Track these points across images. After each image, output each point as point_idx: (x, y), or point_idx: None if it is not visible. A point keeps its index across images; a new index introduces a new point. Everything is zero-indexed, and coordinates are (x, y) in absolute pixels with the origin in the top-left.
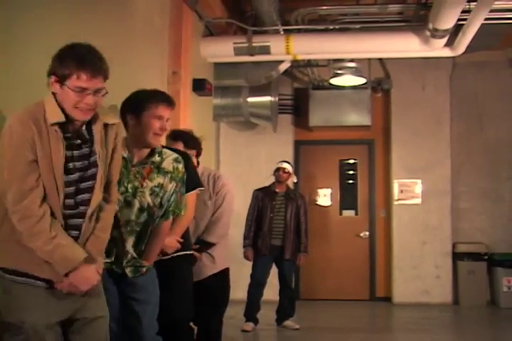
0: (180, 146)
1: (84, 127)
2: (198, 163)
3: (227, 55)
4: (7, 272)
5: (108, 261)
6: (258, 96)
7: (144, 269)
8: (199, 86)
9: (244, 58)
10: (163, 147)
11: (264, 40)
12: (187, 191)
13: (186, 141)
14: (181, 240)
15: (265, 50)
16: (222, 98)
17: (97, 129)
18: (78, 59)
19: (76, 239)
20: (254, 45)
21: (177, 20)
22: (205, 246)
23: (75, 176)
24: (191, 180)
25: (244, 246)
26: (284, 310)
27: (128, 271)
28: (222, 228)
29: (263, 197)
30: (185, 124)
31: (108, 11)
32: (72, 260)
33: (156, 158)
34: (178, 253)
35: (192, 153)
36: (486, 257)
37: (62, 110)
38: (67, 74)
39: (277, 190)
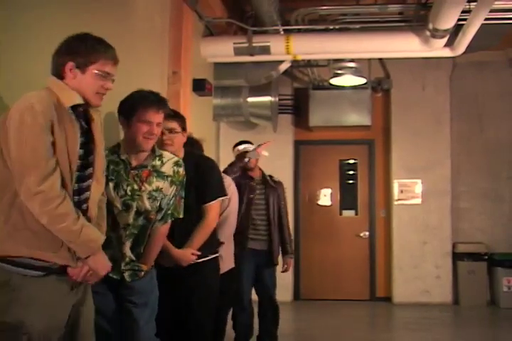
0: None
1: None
2: None
3: (227, 55)
4: (14, 264)
5: None
6: (258, 96)
7: (142, 273)
8: (199, 86)
9: (244, 58)
10: (188, 153)
11: (264, 40)
12: (211, 199)
13: (190, 147)
14: (198, 253)
15: (265, 50)
16: (222, 98)
17: (97, 119)
18: (103, 47)
19: None
20: (254, 45)
21: (177, 20)
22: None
23: (80, 162)
24: (216, 188)
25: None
26: (267, 336)
27: (126, 275)
28: (230, 227)
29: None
30: None
31: (108, 11)
32: (95, 241)
33: (156, 162)
34: (201, 259)
35: None
36: (486, 257)
37: None
38: (93, 61)
39: (253, 176)
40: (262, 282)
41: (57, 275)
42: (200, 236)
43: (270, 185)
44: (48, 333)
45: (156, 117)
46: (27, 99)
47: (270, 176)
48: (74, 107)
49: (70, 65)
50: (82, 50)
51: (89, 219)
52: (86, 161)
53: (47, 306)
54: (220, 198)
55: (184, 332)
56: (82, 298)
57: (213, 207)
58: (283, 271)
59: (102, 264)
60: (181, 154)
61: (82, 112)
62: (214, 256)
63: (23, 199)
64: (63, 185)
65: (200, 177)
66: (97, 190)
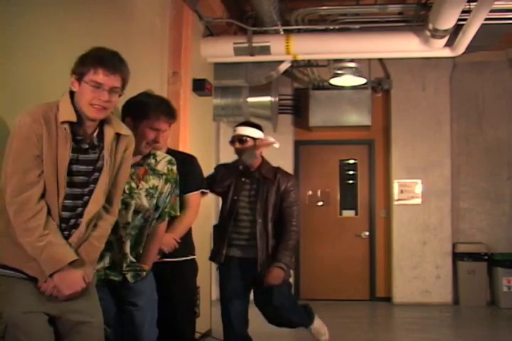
0: None
1: (95, 133)
2: None
3: (227, 55)
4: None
5: (101, 266)
6: (258, 96)
7: (144, 273)
8: (199, 86)
9: (244, 58)
10: (171, 150)
11: (264, 40)
12: (190, 191)
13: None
14: (179, 240)
15: (265, 50)
16: (222, 98)
17: (108, 136)
18: (97, 56)
19: (67, 239)
20: (254, 45)
21: (177, 20)
22: None
23: (77, 179)
24: (195, 180)
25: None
26: None
27: (129, 276)
28: None
29: (223, 177)
30: (185, 125)
31: (108, 11)
32: (59, 260)
33: (151, 160)
34: (182, 258)
35: None
36: (486, 257)
37: (77, 112)
38: (86, 71)
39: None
40: (262, 299)
41: (32, 282)
42: (182, 225)
43: (266, 177)
44: (18, 323)
45: (165, 126)
46: (24, 111)
47: (277, 168)
48: (74, 124)
49: (73, 77)
50: (78, 61)
51: (70, 236)
52: (88, 178)
53: (18, 300)
54: (200, 190)
55: (165, 330)
56: (74, 308)
57: (194, 197)
58: (266, 284)
59: (67, 283)
60: (165, 149)
61: (88, 131)
62: (193, 257)
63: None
64: (49, 200)
65: (182, 172)
66: (93, 207)
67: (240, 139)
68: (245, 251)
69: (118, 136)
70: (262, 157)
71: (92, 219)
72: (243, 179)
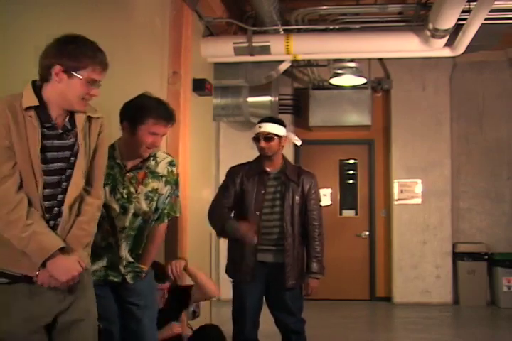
0: None
1: (67, 119)
2: None
3: (227, 55)
4: None
5: (100, 266)
6: (258, 96)
7: (144, 274)
8: (199, 86)
9: (244, 58)
10: None
11: (264, 40)
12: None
13: None
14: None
15: (265, 50)
16: (222, 98)
17: (80, 121)
18: (93, 52)
19: (55, 228)
20: (254, 45)
21: (177, 20)
22: None
23: (54, 166)
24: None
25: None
26: None
27: (128, 277)
28: None
29: (244, 181)
30: (185, 125)
31: (108, 11)
32: (48, 248)
33: (151, 162)
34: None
35: None
36: (486, 257)
37: (39, 98)
38: (81, 66)
39: (267, 169)
40: (276, 311)
41: (26, 283)
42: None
43: (290, 179)
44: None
45: (164, 130)
46: None
47: (298, 167)
48: (42, 112)
49: (58, 68)
50: (71, 53)
51: (56, 225)
52: (65, 164)
53: (5, 312)
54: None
55: None
56: (71, 307)
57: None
58: (305, 295)
59: (62, 269)
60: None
61: (59, 117)
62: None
63: None
64: (28, 191)
65: None
66: (72, 192)
67: (266, 137)
68: (268, 256)
69: (90, 119)
70: (283, 155)
71: (74, 203)
72: (265, 188)
